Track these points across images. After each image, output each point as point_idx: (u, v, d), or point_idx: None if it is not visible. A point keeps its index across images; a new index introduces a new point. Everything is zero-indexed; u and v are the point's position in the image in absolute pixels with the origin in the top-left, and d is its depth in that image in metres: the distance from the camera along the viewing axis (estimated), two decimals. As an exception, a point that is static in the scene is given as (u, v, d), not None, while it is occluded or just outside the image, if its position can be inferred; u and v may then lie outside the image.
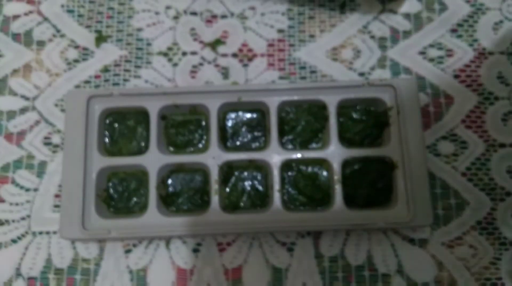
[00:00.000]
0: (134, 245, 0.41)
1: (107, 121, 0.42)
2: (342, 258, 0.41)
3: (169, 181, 0.42)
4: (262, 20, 0.47)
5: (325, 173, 0.41)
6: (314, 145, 0.42)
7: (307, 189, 0.41)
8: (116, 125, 0.42)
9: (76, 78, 0.45)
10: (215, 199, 0.39)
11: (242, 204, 0.41)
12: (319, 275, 0.41)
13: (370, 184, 0.40)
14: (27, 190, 0.43)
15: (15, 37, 0.46)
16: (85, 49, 0.46)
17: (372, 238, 0.41)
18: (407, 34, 0.46)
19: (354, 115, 0.42)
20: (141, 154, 0.41)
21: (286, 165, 0.41)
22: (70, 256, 0.41)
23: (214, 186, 0.39)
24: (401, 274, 0.41)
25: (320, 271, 0.41)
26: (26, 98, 0.45)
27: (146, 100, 0.41)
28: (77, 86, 0.45)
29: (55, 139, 0.44)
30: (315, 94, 0.41)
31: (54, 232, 0.42)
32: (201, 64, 0.45)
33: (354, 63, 0.45)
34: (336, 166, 0.40)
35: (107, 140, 0.42)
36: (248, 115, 0.43)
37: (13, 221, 0.42)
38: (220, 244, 0.41)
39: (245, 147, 0.42)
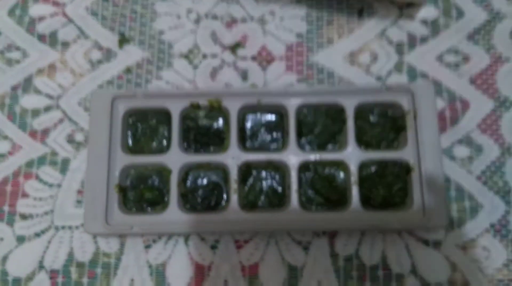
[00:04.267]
0: (154, 241, 0.41)
1: (130, 121, 0.42)
2: (356, 257, 0.41)
3: (189, 179, 0.42)
4: (281, 24, 0.46)
5: (342, 174, 0.41)
6: (331, 147, 0.42)
7: (324, 190, 0.40)
8: (138, 124, 0.42)
9: (99, 78, 0.45)
10: (234, 198, 0.39)
11: (260, 203, 0.41)
12: (334, 274, 0.40)
13: (386, 186, 0.40)
14: (51, 185, 0.43)
15: (41, 37, 0.47)
16: (108, 50, 0.46)
17: (387, 239, 0.41)
18: (424, 39, 0.46)
19: (372, 119, 0.42)
20: (162, 152, 0.41)
21: (304, 166, 0.41)
22: (91, 250, 0.41)
23: (233, 185, 0.39)
24: (415, 275, 0.40)
25: (335, 270, 0.41)
26: (50, 97, 0.45)
27: (168, 101, 0.41)
28: (100, 86, 0.45)
29: (78, 137, 0.44)
30: (333, 97, 0.41)
31: (76, 227, 0.42)
32: (221, 67, 0.45)
33: (371, 67, 0.45)
34: (353, 167, 0.39)
35: (129, 139, 0.42)
36: (267, 117, 0.43)
37: (37, 215, 0.42)
38: (238, 242, 0.41)
39: (263, 148, 0.42)
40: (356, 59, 0.45)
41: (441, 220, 0.38)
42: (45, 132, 0.44)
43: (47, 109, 0.45)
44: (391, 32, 0.46)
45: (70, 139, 0.44)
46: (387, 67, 0.45)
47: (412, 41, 0.45)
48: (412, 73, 0.45)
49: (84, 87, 0.45)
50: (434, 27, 0.46)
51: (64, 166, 0.43)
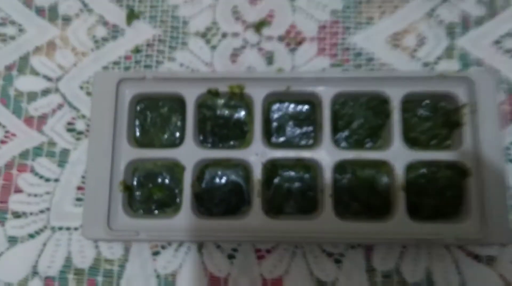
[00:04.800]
0: (163, 247, 0.39)
1: (138, 108, 0.40)
2: (397, 273, 0.38)
3: (204, 177, 0.39)
4: (313, 0, 0.43)
5: (385, 177, 0.38)
6: (372, 144, 0.39)
7: (364, 195, 0.38)
8: (148, 113, 0.40)
9: (104, 58, 0.43)
10: (257, 201, 0.36)
11: (287, 208, 0.38)
12: (370, 292, 0.38)
13: (437, 192, 0.37)
14: (47, 180, 0.41)
15: (39, 11, 0.44)
16: (114, 26, 0.43)
17: (433, 253, 0.38)
18: (479, 20, 0.42)
19: (420, 112, 0.39)
20: (174, 146, 0.38)
21: (340, 166, 0.38)
22: (92, 255, 0.39)
23: (256, 186, 0.37)
24: (465, 295, 0.37)
25: (372, 288, 0.38)
26: (48, 79, 0.43)
27: (182, 86, 0.38)
28: (105, 68, 0.43)
29: (80, 125, 0.42)
30: (376, 85, 0.38)
31: (76, 228, 0.40)
32: (243, 47, 0.43)
33: (417, 51, 0.42)
34: (399, 169, 0.36)
35: (137, 129, 0.40)
36: (297, 107, 0.40)
37: (31, 214, 0.40)
38: (259, 251, 0.39)
39: (292, 144, 0.40)
40: (399, 41, 0.42)
41: (503, 235, 0.35)
42: (42, 118, 0.42)
43: (45, 92, 0.42)
44: (441, 11, 0.43)
45: (70, 128, 0.42)
46: (436, 52, 0.42)
47: (466, 22, 0.42)
48: (465, 60, 0.41)
49: (87, 68, 0.43)
50: (491, 7, 0.42)
51: (63, 158, 0.41)
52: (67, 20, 0.44)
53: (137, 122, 0.40)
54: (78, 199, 0.40)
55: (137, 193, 0.39)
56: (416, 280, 0.37)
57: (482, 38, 0.42)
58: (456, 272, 0.37)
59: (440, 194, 0.37)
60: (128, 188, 0.38)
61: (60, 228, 0.40)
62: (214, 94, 0.39)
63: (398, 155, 0.37)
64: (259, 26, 0.43)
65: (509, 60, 0.41)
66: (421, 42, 0.42)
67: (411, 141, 0.38)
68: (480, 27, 0.42)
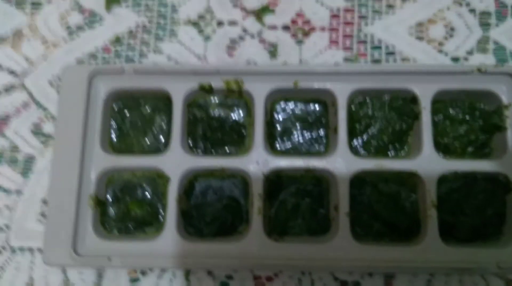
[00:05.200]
0: (143, 273, 0.36)
1: (115, 107, 0.38)
2: None
3: (194, 191, 0.36)
4: None
5: (412, 192, 0.35)
6: (395, 152, 0.37)
7: (387, 213, 0.35)
8: (126, 112, 0.38)
9: (78, 50, 0.40)
10: (257, 219, 0.34)
11: (293, 228, 0.36)
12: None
13: (476, 210, 0.35)
14: (8, 192, 0.38)
15: None
16: (92, 13, 0.41)
17: (465, 281, 0.35)
18: None
19: (454, 113, 0.36)
20: (158, 152, 0.36)
21: (358, 179, 0.35)
22: (57, 282, 0.36)
23: (257, 202, 0.34)
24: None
25: (393, 325, 0.36)
26: (13, 73, 0.40)
27: (168, 80, 0.36)
28: (80, 62, 0.40)
29: (48, 128, 0.39)
30: (401, 81, 0.35)
31: (39, 249, 0.37)
32: (241, 38, 0.40)
33: (445, 44, 0.39)
34: (430, 182, 0.33)
35: (113, 132, 0.38)
36: (306, 107, 0.38)
37: None
38: (258, 278, 0.36)
39: (300, 151, 0.37)
40: (425, 32, 0.40)
41: None
42: (4, 120, 0.39)
43: (9, 89, 0.40)
44: None
45: (37, 131, 0.39)
46: (467, 45, 0.39)
47: (502, 10, 0.40)
48: (501, 54, 0.39)
49: (58, 61, 0.40)
50: None
51: (27, 167, 0.38)
52: (37, 6, 0.41)
53: (113, 124, 0.37)
54: (44, 215, 0.37)
55: (112, 209, 0.36)
56: (445, 316, 0.34)
57: (520, 29, 0.39)
58: (494, 305, 0.34)
59: (479, 212, 0.35)
60: (100, 204, 0.35)
61: (21, 249, 0.37)
62: (207, 90, 0.36)
63: (428, 165, 0.34)
64: (261, 14, 0.40)
65: (551, 55, 0.38)
66: (450, 34, 0.39)
67: (443, 148, 0.36)
68: (517, 16, 0.39)
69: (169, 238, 0.33)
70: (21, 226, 0.37)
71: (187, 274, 0.36)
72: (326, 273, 0.36)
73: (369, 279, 0.35)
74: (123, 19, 0.40)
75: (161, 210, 0.36)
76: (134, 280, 0.36)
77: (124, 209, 0.36)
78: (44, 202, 0.37)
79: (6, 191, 0.38)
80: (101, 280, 0.36)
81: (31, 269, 0.36)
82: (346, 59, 0.39)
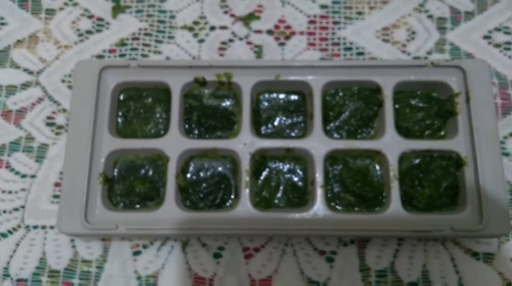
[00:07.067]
0: (145, 246, 0.37)
1: (121, 98, 0.39)
2: (392, 272, 0.36)
3: (189, 169, 0.37)
4: None
5: (378, 167, 0.37)
6: (364, 134, 0.38)
7: (356, 186, 0.36)
8: (131, 103, 0.39)
9: (87, 51, 0.42)
10: (245, 193, 0.35)
11: (276, 201, 0.37)
12: (364, 292, 0.36)
13: (432, 183, 0.36)
14: (23, 176, 0.39)
15: (22, 3, 0.43)
16: (99, 19, 0.43)
17: (429, 250, 0.37)
18: (469, 15, 0.42)
19: (413, 102, 0.38)
20: (158, 136, 0.37)
21: (331, 157, 0.37)
22: (68, 256, 0.37)
23: (244, 178, 0.35)
24: (463, 294, 0.36)
25: (366, 287, 0.36)
26: (29, 72, 0.42)
27: (167, 74, 0.37)
28: None
29: (60, 120, 0.40)
30: (367, 74, 0.37)
31: (51, 227, 0.38)
32: (231, 41, 0.42)
33: (408, 45, 0.42)
34: (393, 159, 0.35)
35: (119, 119, 0.38)
36: (287, 97, 0.39)
37: (4, 211, 0.38)
38: (247, 249, 0.37)
39: (282, 134, 0.38)
40: (390, 35, 0.42)
41: (503, 226, 0.33)
42: (21, 112, 0.41)
43: (25, 86, 0.41)
44: (431, 4, 0.43)
45: (50, 122, 0.40)
46: (426, 46, 0.42)
47: (456, 16, 0.42)
48: (456, 54, 0.41)
49: (69, 61, 0.42)
50: (481, 1, 0.43)
51: (40, 154, 0.40)
52: (50, 13, 0.43)
53: (119, 112, 0.38)
54: (55, 196, 0.38)
55: (118, 186, 0.37)
56: (412, 279, 0.36)
57: (472, 32, 0.42)
58: (454, 270, 0.36)
59: (435, 185, 0.36)
60: (108, 181, 0.36)
61: (35, 227, 0.38)
62: (201, 83, 0.38)
63: (391, 145, 0.36)
64: (248, 20, 0.42)
65: (499, 54, 0.41)
66: (411, 37, 0.42)
67: (404, 131, 0.37)
68: (469, 21, 0.42)
69: (168, 209, 0.34)
70: (35, 207, 0.38)
71: (184, 246, 0.37)
72: (306, 243, 0.37)
73: (345, 248, 0.37)
74: (127, 25, 0.42)
75: (161, 187, 0.37)
76: (136, 252, 0.37)
77: (129, 186, 0.37)
78: (56, 185, 0.38)
79: (22, 175, 0.39)
80: (107, 253, 0.37)
81: (43, 244, 0.37)
82: (322, 59, 0.41)
